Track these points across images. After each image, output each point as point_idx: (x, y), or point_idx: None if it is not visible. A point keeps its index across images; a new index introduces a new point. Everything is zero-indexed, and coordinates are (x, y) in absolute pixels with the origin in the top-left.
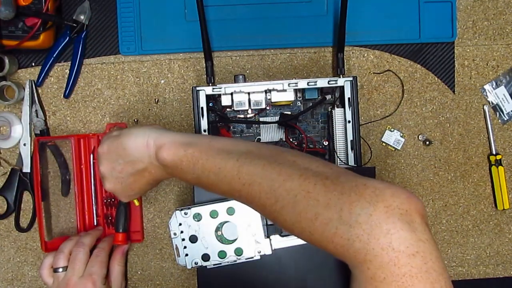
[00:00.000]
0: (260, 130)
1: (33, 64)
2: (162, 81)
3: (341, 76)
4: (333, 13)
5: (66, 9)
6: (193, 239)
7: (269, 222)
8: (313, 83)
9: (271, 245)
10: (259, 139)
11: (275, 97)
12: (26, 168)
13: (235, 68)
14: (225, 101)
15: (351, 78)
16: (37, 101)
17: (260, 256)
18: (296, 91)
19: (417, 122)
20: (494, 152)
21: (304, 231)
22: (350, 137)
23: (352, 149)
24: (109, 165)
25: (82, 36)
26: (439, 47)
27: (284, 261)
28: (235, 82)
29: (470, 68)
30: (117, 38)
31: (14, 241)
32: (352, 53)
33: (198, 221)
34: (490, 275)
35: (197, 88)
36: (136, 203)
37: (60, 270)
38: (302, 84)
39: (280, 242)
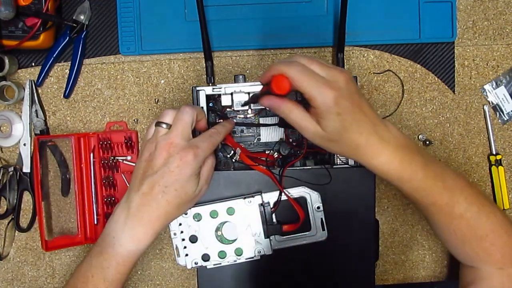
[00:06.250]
0: (260, 130)
1: (33, 64)
2: (162, 81)
3: None
4: (333, 13)
5: (66, 9)
6: (193, 239)
7: (269, 222)
8: None
9: (271, 245)
10: (259, 139)
11: None
12: (26, 168)
13: (235, 68)
14: (225, 101)
15: None
16: (37, 101)
17: (260, 256)
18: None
19: (417, 122)
20: (494, 152)
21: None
22: None
23: None
24: None
25: (82, 36)
26: (439, 47)
27: (284, 261)
28: (235, 82)
29: (470, 68)
30: (117, 38)
31: (14, 241)
32: (352, 53)
33: (198, 221)
34: None
35: (197, 88)
36: None
37: (164, 126)
38: None
39: (280, 242)
